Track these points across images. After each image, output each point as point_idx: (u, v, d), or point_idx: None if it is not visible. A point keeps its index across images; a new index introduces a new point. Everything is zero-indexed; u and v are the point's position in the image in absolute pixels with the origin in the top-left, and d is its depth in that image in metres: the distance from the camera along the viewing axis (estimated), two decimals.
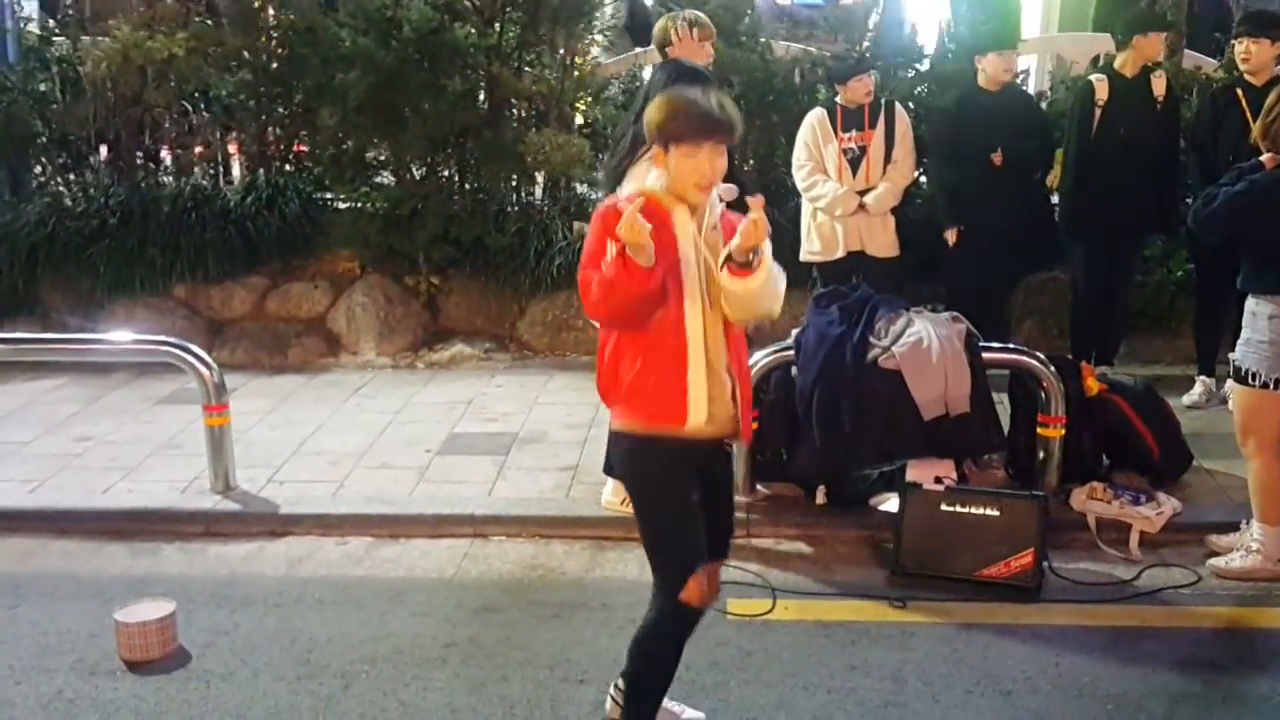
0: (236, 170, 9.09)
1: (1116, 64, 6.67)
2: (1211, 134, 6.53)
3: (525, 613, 4.61)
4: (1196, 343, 6.97)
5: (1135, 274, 7.12)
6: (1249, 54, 6.39)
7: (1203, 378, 6.86)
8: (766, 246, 3.18)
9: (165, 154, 9.10)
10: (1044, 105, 7.78)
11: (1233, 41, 6.61)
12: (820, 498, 5.40)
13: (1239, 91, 6.46)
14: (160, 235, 8.13)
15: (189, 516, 5.49)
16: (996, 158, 6.45)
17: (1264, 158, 4.63)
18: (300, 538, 5.36)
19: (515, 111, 8.39)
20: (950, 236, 6.56)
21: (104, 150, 8.92)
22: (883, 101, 6.65)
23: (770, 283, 3.21)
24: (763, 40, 8.23)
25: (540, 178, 8.51)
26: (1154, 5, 7.75)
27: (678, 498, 3.26)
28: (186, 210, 8.21)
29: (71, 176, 8.94)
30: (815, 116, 6.62)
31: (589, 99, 8.82)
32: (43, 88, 8.83)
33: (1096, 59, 7.79)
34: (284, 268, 8.37)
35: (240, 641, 4.42)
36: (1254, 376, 4.63)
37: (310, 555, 5.21)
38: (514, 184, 8.54)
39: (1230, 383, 4.86)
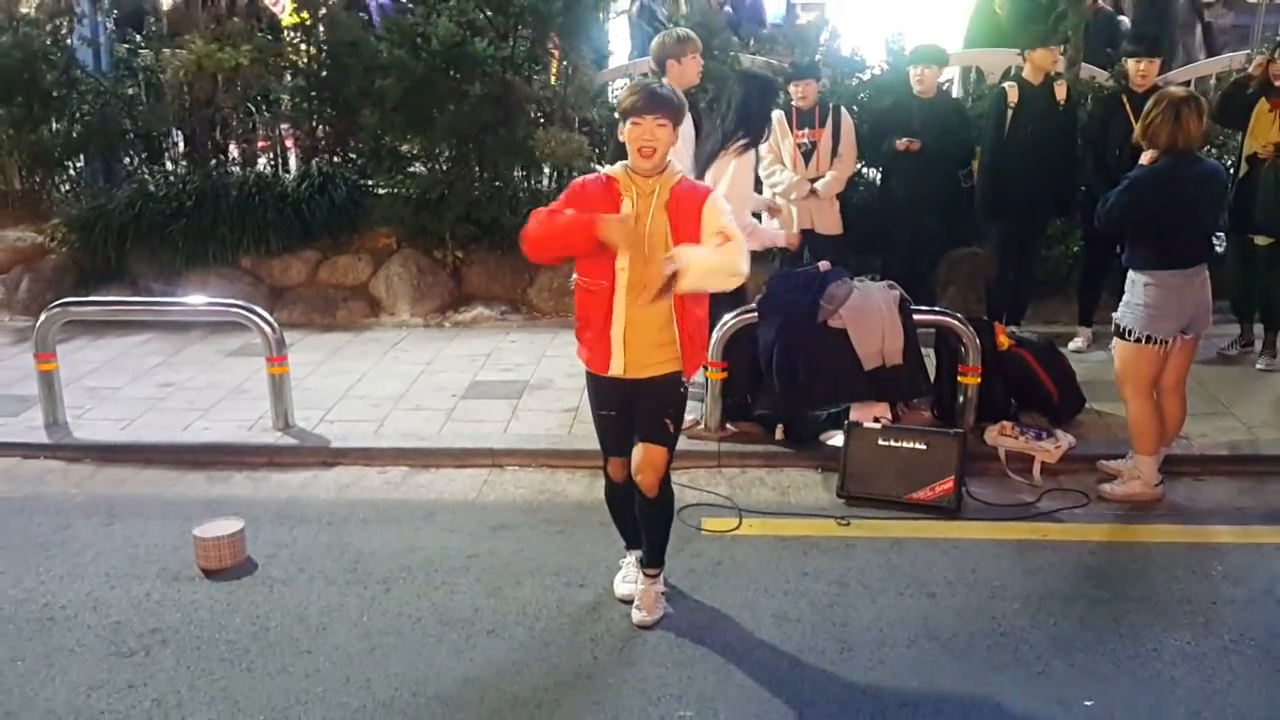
0: (293, 161, 9.01)
1: (1025, 73, 6.61)
2: (1102, 133, 6.50)
3: (535, 530, 4.61)
4: (1079, 301, 7.01)
5: (1040, 249, 7.09)
6: (1146, 72, 6.34)
7: (1082, 328, 6.92)
8: (685, 259, 3.27)
9: (233, 148, 9.01)
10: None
11: (1126, 60, 6.53)
12: (779, 434, 5.40)
13: (1123, 98, 6.44)
14: (229, 215, 8.03)
15: (255, 450, 5.47)
16: (901, 144, 6.45)
17: (1144, 156, 4.61)
18: (348, 467, 5.34)
19: (526, 113, 8.29)
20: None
21: (181, 144, 8.85)
22: (830, 105, 6.60)
23: (705, 278, 3.33)
24: (731, 54, 8.15)
25: (547, 168, 8.43)
26: (1057, 25, 7.66)
27: (598, 413, 3.72)
28: (251, 195, 8.12)
29: (154, 167, 8.84)
30: (775, 116, 6.55)
31: (588, 102, 8.74)
32: (130, 92, 8.74)
33: (1008, 70, 7.70)
34: (333, 243, 8.28)
35: (298, 553, 4.42)
36: (1129, 333, 4.65)
37: (356, 482, 5.19)
38: (525, 174, 8.47)
39: (1114, 339, 4.85)
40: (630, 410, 3.65)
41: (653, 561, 3.88)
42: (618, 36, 10.67)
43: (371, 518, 4.76)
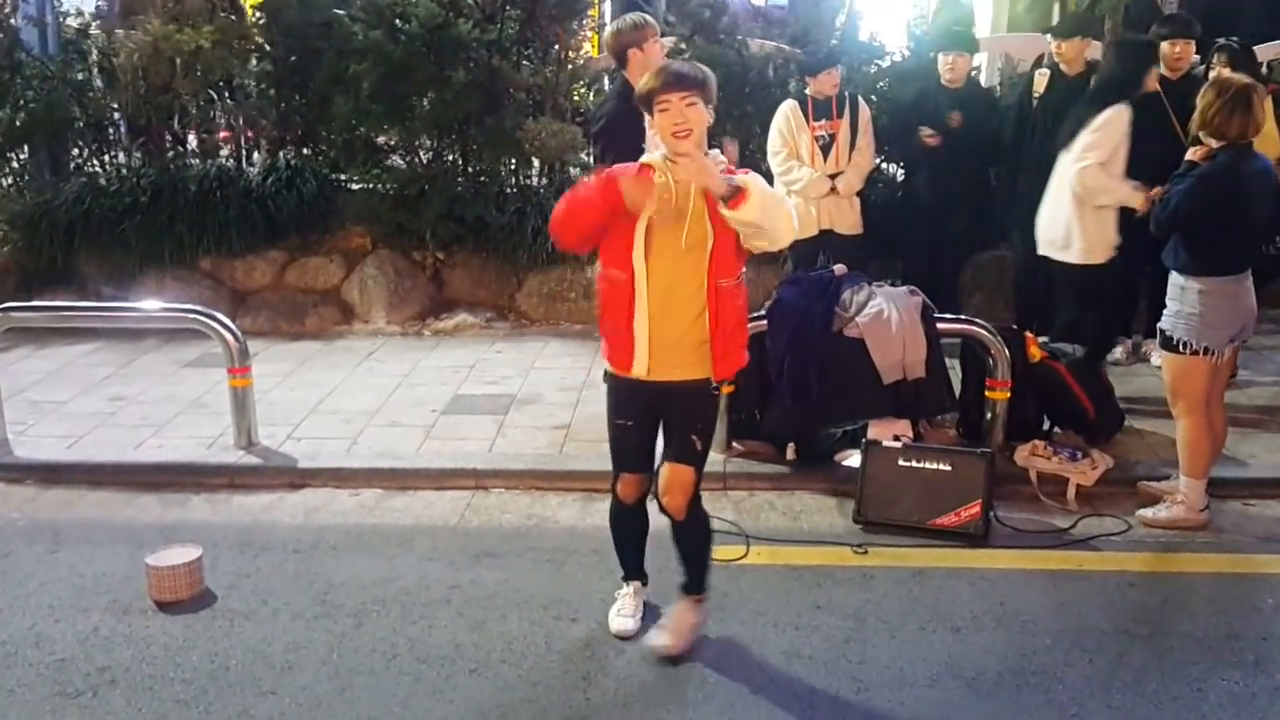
0: (258, 153, 9.01)
1: (1061, 62, 6.61)
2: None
3: (522, 558, 4.60)
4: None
5: None
6: (1182, 55, 6.36)
7: (1122, 338, 6.91)
8: (753, 180, 3.34)
9: (192, 138, 9.00)
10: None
11: (1163, 43, 6.52)
12: (790, 454, 5.40)
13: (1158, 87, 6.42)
14: (188, 212, 8.05)
15: (214, 470, 5.46)
16: (927, 135, 6.54)
17: (1192, 154, 4.62)
18: (317, 489, 5.35)
19: (514, 101, 8.32)
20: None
21: (135, 135, 8.82)
22: (846, 94, 6.63)
23: (766, 209, 3.34)
24: (739, 38, 8.18)
25: (536, 162, 8.46)
26: (1093, 9, 7.70)
27: (614, 421, 3.70)
28: (212, 190, 8.13)
29: (106, 158, 8.87)
30: (789, 107, 6.59)
31: (582, 90, 8.77)
32: (80, 77, 8.75)
33: (1041, 57, 7.74)
34: (302, 243, 8.30)
35: (261, 584, 4.40)
36: (1184, 345, 4.63)
37: (326, 505, 5.19)
38: (513, 167, 8.49)
39: (1157, 349, 4.85)
40: (650, 422, 3.69)
41: (693, 587, 3.90)
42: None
43: (342, 545, 4.75)
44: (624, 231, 3.46)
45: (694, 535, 3.83)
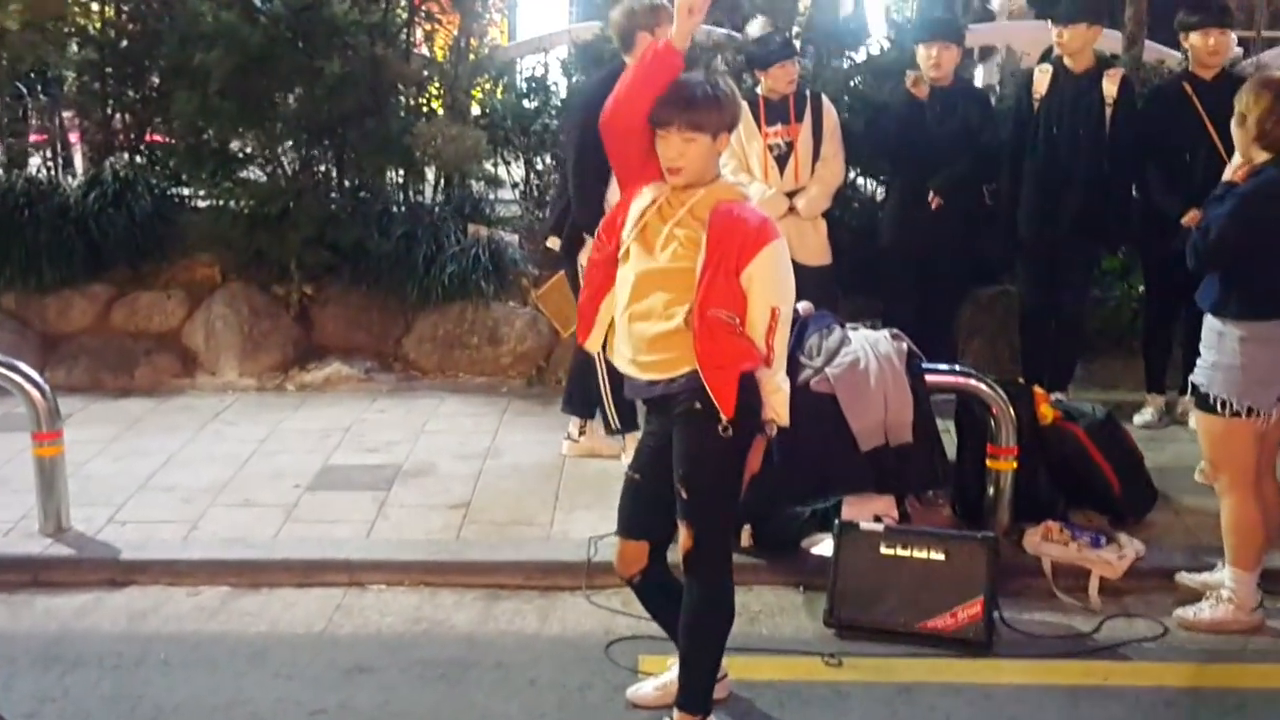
0: (79, 161, 8.98)
1: (1064, 57, 6.71)
2: (1163, 133, 6.57)
3: (406, 673, 4.54)
4: (1146, 359, 7.08)
5: (1088, 288, 7.19)
6: (1216, 48, 6.47)
7: (1151, 395, 6.99)
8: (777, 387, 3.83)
9: None
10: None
11: (1187, 33, 6.60)
12: (745, 539, 5.35)
13: (1185, 85, 6.53)
14: None
15: (12, 563, 5.35)
16: (910, 81, 6.67)
17: (1231, 172, 4.67)
18: (144, 588, 5.25)
19: (402, 99, 8.32)
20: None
21: None
22: (808, 93, 6.67)
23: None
24: None
25: (430, 174, 8.47)
26: None
27: (626, 473, 4.03)
28: (18, 207, 8.02)
29: None
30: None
31: (487, 85, 8.78)
32: None
33: (1048, 51, 7.87)
34: (132, 274, 8.23)
35: (70, 710, 4.29)
36: (1223, 404, 4.65)
37: (156, 608, 5.09)
38: (400, 181, 8.52)
39: (1192, 409, 4.87)
40: (660, 475, 3.82)
41: (684, 703, 3.93)
42: None
43: (176, 659, 4.67)
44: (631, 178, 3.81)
45: (691, 619, 3.88)
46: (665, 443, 3.80)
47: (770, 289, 3.68)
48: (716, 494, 3.79)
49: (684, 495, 3.74)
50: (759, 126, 6.54)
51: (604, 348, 3.94)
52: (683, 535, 3.79)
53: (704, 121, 3.62)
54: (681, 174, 3.67)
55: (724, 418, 3.65)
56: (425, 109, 8.43)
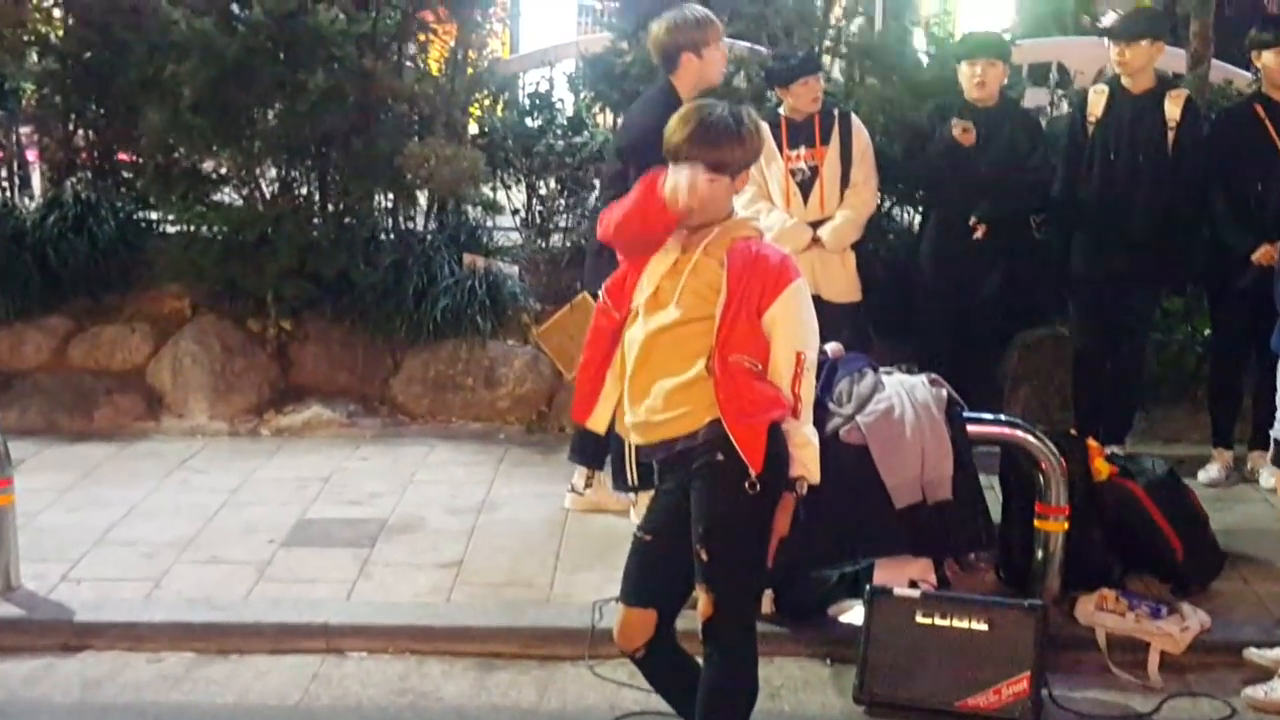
0: (36, 182, 9.03)
1: (1122, 77, 6.72)
2: (1233, 160, 6.58)
3: None
4: (1212, 410, 7.06)
5: (1148, 331, 7.18)
6: None
7: (1220, 450, 6.94)
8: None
9: None
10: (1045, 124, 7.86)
11: (1259, 52, 6.62)
12: (767, 605, 5.31)
13: (1258, 107, 6.55)
14: None
15: None
16: (957, 129, 6.62)
17: None
18: (101, 653, 5.24)
19: (392, 116, 8.34)
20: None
21: None
22: (835, 112, 6.67)
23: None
24: None
25: (422, 198, 8.49)
26: (1174, 7, 7.88)
27: (635, 534, 4.03)
28: None
29: None
30: None
31: (486, 101, 8.80)
32: None
33: (1102, 71, 7.90)
34: (93, 306, 8.27)
35: None
36: None
37: (113, 676, 5.08)
38: (389, 206, 8.53)
39: (1266, 465, 4.86)
40: (673, 535, 3.83)
41: None
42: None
43: None
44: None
45: (711, 695, 3.90)
46: (682, 500, 3.79)
47: (794, 333, 3.73)
48: (740, 556, 3.78)
49: (704, 558, 3.72)
50: (780, 149, 6.55)
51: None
52: (702, 602, 3.78)
53: (727, 161, 3.73)
54: (697, 214, 3.71)
55: (752, 472, 3.65)
56: (417, 127, 8.44)
